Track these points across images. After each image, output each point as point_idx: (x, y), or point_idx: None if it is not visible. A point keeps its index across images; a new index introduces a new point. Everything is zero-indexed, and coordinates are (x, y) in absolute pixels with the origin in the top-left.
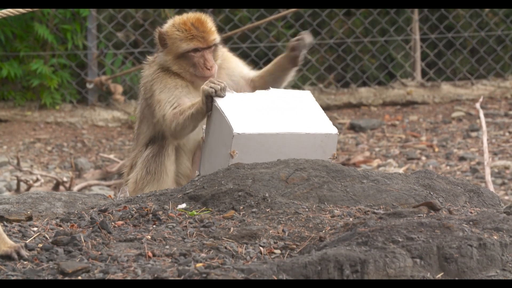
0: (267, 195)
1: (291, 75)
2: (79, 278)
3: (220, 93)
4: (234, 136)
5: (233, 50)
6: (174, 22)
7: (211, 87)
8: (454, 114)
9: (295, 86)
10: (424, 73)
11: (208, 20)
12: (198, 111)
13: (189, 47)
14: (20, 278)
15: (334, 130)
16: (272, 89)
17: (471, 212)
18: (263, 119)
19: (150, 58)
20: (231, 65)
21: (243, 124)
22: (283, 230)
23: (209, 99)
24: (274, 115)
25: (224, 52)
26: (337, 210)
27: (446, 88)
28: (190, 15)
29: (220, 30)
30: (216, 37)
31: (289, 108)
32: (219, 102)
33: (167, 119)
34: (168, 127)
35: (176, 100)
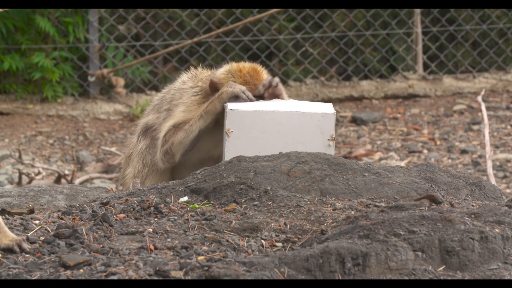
0: (268, 188)
1: None
2: (81, 271)
3: (242, 95)
4: (227, 113)
5: (234, 43)
6: (230, 69)
7: (233, 87)
8: (456, 107)
9: (297, 79)
10: (426, 66)
11: (263, 71)
12: (207, 112)
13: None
14: (22, 271)
15: (331, 110)
16: (291, 100)
17: (472, 205)
18: (264, 104)
19: (193, 72)
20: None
21: (240, 105)
22: (284, 223)
23: (228, 100)
24: (278, 103)
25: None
26: (339, 203)
27: (448, 81)
28: (246, 64)
29: (221, 23)
30: (266, 79)
31: (295, 105)
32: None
33: (166, 131)
34: (165, 143)
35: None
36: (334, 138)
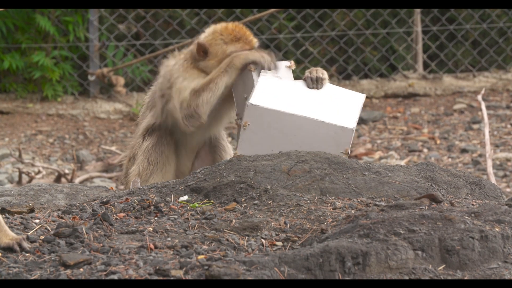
0: (269, 187)
1: None
2: (81, 270)
3: (266, 65)
4: (247, 106)
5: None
6: (214, 30)
7: (262, 55)
8: (456, 106)
9: (296, 78)
10: (426, 65)
11: (245, 28)
12: (232, 66)
13: (236, 48)
14: (22, 270)
15: (350, 125)
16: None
17: (472, 204)
18: (289, 100)
19: (175, 53)
20: None
21: (263, 98)
22: (284, 222)
23: (248, 66)
24: (304, 100)
25: None
26: (339, 202)
27: (448, 80)
28: (228, 24)
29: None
30: (257, 42)
31: (325, 100)
32: (260, 75)
33: (186, 101)
34: (187, 110)
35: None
36: (349, 153)
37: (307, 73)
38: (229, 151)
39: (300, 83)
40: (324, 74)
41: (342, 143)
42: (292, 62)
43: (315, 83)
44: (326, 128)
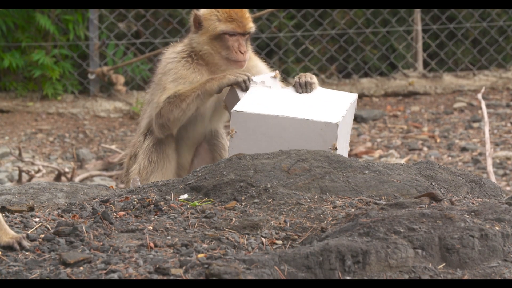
0: (268, 185)
1: None
2: (81, 268)
3: (242, 85)
4: (232, 113)
5: None
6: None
7: (237, 76)
8: (456, 105)
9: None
10: (426, 64)
11: (246, 11)
12: (205, 92)
13: (228, 28)
14: (22, 268)
15: (335, 120)
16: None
17: (472, 203)
18: (275, 105)
19: (175, 43)
20: (256, 67)
21: (248, 105)
22: (284, 221)
23: (227, 86)
24: (290, 104)
25: (250, 50)
26: (339, 200)
27: (448, 78)
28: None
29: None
30: (252, 26)
31: (314, 101)
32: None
33: (160, 108)
34: (160, 119)
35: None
36: (336, 148)
37: (296, 78)
38: None
39: (289, 90)
40: (313, 79)
41: (328, 139)
42: (277, 72)
43: (303, 88)
44: (311, 126)
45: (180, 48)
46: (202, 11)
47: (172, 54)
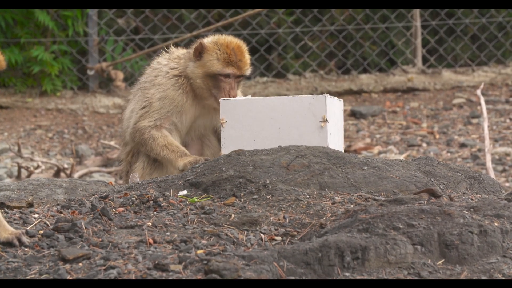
0: (268, 182)
1: None
2: (80, 264)
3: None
4: (221, 103)
5: (234, 36)
6: (217, 41)
7: (190, 162)
8: (455, 101)
9: (296, 73)
10: (425, 60)
11: (246, 51)
12: (170, 160)
13: (224, 71)
14: (21, 264)
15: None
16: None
17: (471, 199)
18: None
19: (173, 48)
20: None
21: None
22: (284, 217)
23: (185, 169)
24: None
25: (240, 91)
26: (338, 196)
27: (447, 74)
28: (233, 40)
29: (220, 16)
30: (249, 69)
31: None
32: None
33: (136, 132)
34: (132, 135)
35: (159, 117)
36: (326, 120)
37: None
38: None
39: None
40: None
41: (318, 112)
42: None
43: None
44: (299, 102)
45: (175, 64)
46: (207, 41)
47: (165, 68)
